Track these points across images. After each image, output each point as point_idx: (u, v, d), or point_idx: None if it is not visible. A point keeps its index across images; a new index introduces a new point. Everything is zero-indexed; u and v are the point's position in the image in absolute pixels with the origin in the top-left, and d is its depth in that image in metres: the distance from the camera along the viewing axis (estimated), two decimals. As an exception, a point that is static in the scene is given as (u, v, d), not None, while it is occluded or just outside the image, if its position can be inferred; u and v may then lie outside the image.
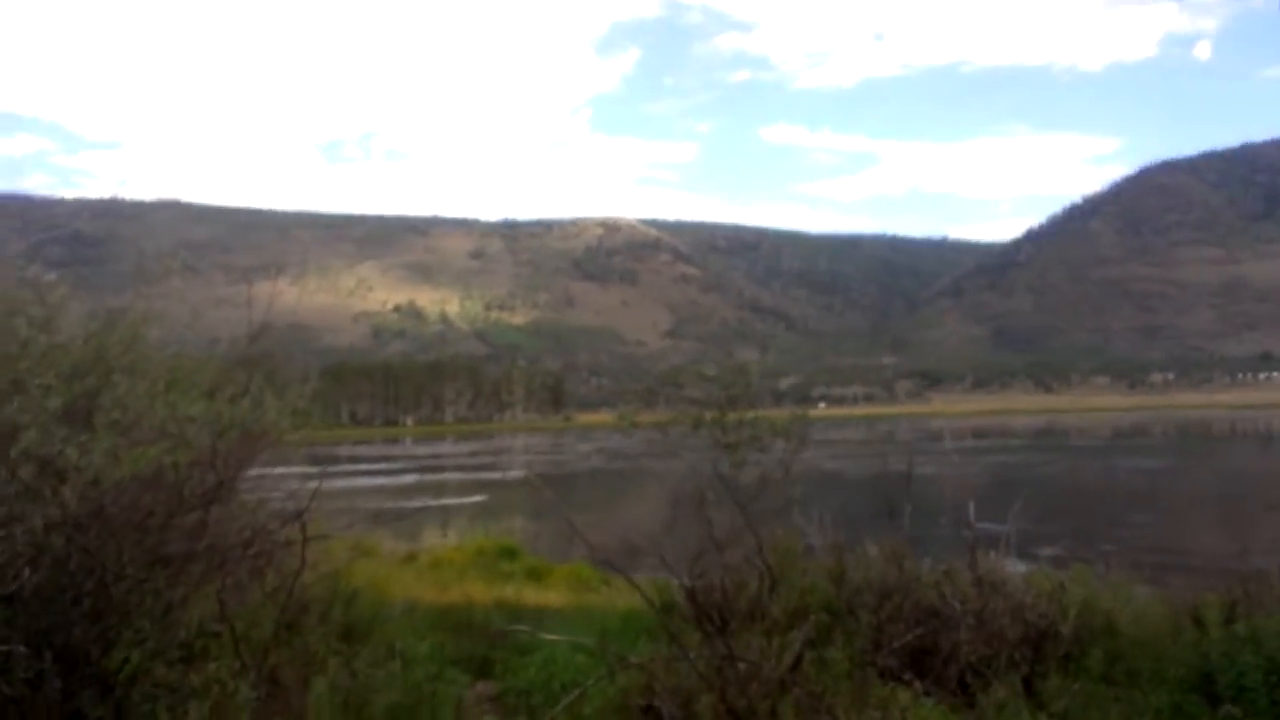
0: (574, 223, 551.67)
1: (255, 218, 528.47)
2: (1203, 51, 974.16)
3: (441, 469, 73.63)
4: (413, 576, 14.52)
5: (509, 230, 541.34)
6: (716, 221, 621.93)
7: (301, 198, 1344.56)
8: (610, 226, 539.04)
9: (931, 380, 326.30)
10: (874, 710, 5.33)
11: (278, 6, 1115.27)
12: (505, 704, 7.57)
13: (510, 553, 19.99)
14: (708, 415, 6.79)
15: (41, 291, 6.91)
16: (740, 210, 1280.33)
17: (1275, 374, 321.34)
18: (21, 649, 5.11)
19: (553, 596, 12.81)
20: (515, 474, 66.17)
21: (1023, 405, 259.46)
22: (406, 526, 33.70)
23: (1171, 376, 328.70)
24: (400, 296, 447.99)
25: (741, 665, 5.62)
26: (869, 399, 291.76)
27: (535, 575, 17.09)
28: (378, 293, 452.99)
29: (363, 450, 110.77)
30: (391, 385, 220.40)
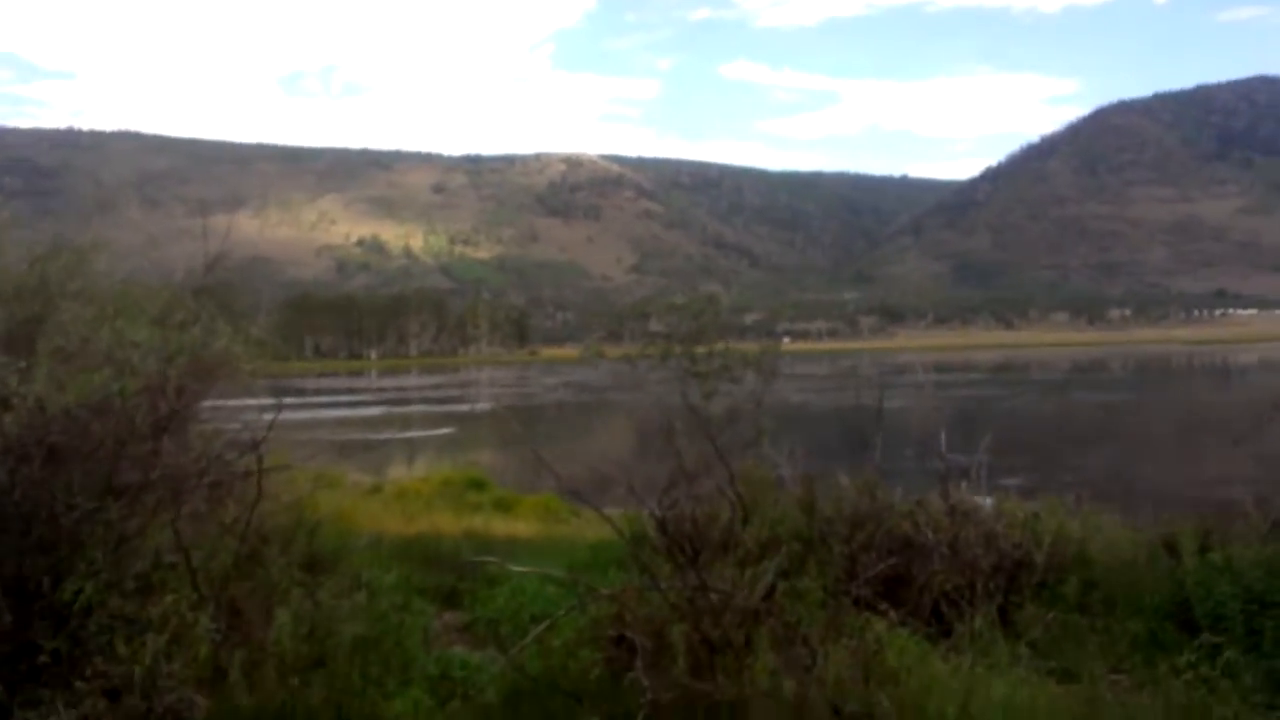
0: (537, 158, 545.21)
1: (215, 149, 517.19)
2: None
3: (407, 402, 73.29)
4: (379, 508, 14.37)
5: (472, 165, 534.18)
6: (679, 158, 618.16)
7: (261, 130, 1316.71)
8: (573, 162, 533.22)
9: (894, 316, 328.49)
10: (849, 639, 5.25)
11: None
12: (474, 634, 7.48)
13: (478, 484, 19.89)
14: (677, 347, 6.62)
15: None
16: (702, 147, 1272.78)
17: (1230, 310, 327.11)
18: (-33, 581, 4.90)
19: (521, 527, 12.72)
20: (482, 407, 65.97)
21: (983, 340, 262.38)
22: (374, 459, 33.52)
23: (1129, 313, 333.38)
24: (363, 230, 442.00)
25: (714, 595, 5.52)
26: (833, 334, 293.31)
27: (504, 506, 17.01)
28: (340, 226, 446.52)
29: (327, 383, 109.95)
30: (355, 319, 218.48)
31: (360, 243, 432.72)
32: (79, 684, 4.90)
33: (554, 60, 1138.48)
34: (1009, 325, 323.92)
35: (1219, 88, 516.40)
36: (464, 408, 64.36)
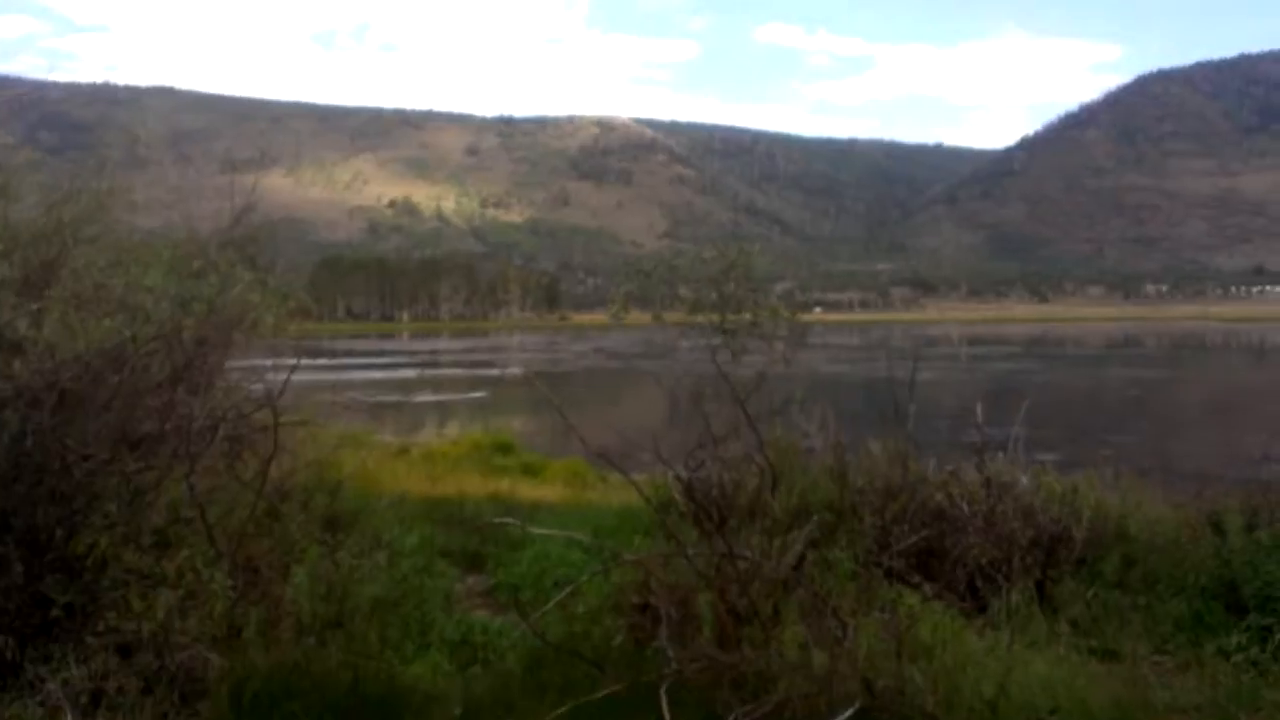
0: (570, 120, 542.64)
1: (248, 107, 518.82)
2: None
3: (438, 365, 73.47)
4: (405, 469, 14.30)
5: (505, 126, 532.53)
6: (712, 123, 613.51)
7: (294, 88, 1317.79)
8: (606, 126, 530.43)
9: (926, 287, 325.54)
10: (881, 612, 5.07)
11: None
12: (496, 599, 7.36)
13: (505, 448, 19.78)
14: (712, 294, 6.40)
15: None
16: (736, 111, 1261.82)
17: (1268, 288, 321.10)
18: (-21, 531, 4.82)
19: (548, 492, 12.60)
20: (513, 371, 66.00)
21: (1017, 314, 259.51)
22: (403, 421, 33.63)
23: (1165, 288, 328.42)
24: (396, 191, 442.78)
25: (742, 564, 5.34)
26: (864, 305, 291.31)
27: (531, 471, 16.89)
28: (373, 187, 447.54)
29: (358, 344, 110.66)
30: (387, 281, 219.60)
31: (392, 204, 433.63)
32: (90, 639, 4.80)
33: (588, 20, 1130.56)
34: (1043, 299, 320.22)
35: (1261, 57, 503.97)
36: (494, 372, 64.41)
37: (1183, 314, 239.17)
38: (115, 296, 5.67)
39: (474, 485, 12.10)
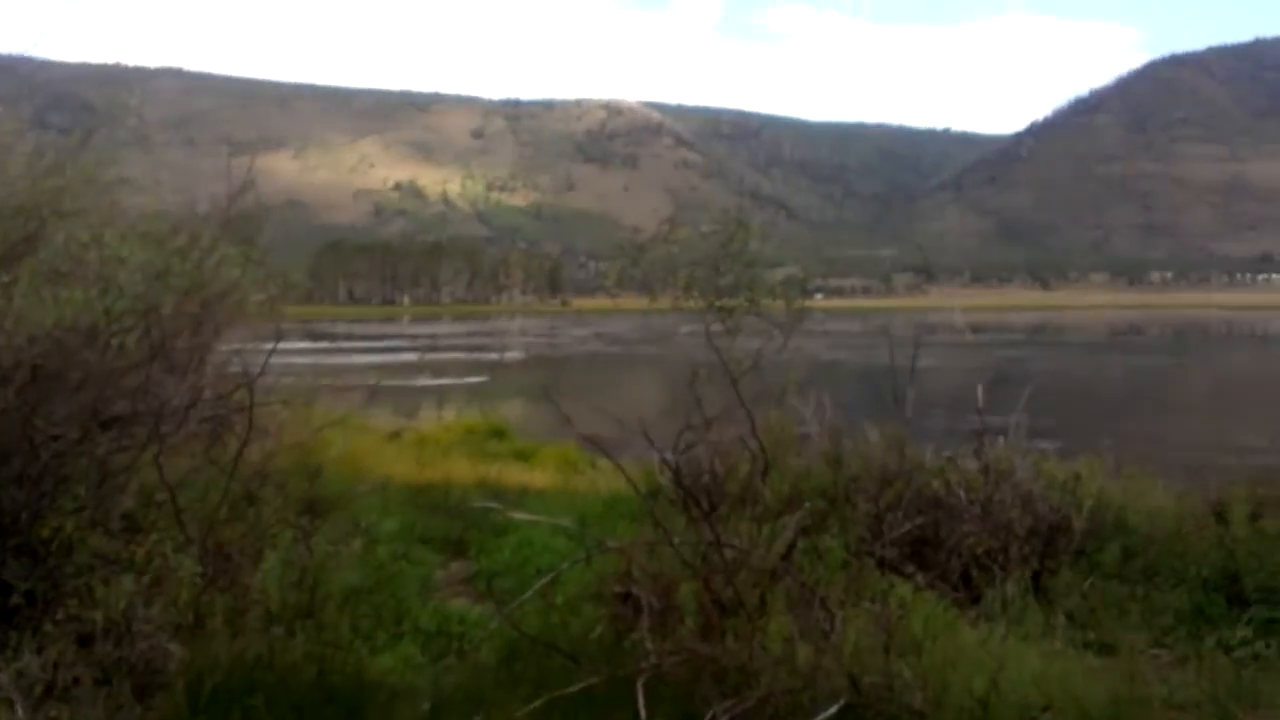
0: (577, 103, 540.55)
1: (255, 88, 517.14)
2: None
3: (438, 349, 73.29)
4: (394, 453, 14.14)
5: (512, 109, 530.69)
6: (720, 106, 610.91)
7: (301, 69, 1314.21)
8: (613, 109, 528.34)
9: (929, 274, 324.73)
10: (870, 603, 4.88)
11: None
12: (478, 586, 7.19)
13: (499, 433, 19.62)
14: (700, 274, 6.16)
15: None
16: (742, 95, 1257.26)
17: (1274, 275, 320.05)
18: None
19: (537, 477, 12.43)
20: (513, 356, 65.88)
21: (1020, 301, 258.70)
22: (400, 404, 33.44)
23: (1169, 276, 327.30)
24: (401, 174, 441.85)
25: (729, 552, 5.16)
26: (866, 291, 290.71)
27: (523, 456, 16.72)
28: (378, 170, 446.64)
29: (359, 328, 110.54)
30: (390, 265, 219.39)
31: (398, 187, 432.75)
32: (50, 628, 4.63)
33: (596, 5, 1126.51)
34: (1046, 286, 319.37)
35: (1275, 42, 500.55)
36: (494, 356, 64.25)
37: (1186, 302, 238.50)
38: (92, 271, 5.46)
39: (462, 471, 11.93)
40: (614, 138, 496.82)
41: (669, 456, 5.36)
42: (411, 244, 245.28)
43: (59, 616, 4.78)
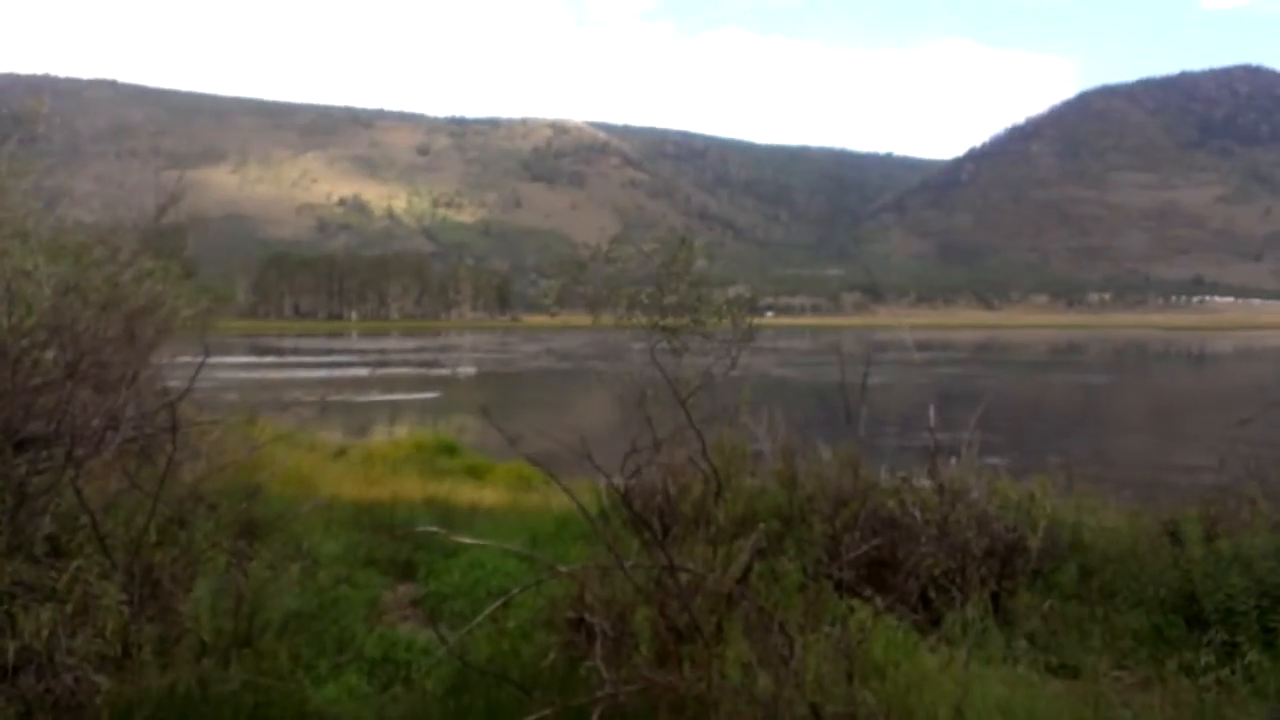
0: (523, 122, 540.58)
1: (193, 101, 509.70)
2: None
3: (388, 364, 72.38)
4: (340, 471, 13.77)
5: (457, 127, 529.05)
6: (665, 127, 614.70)
7: (241, 83, 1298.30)
8: (559, 128, 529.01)
9: (876, 293, 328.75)
10: (830, 627, 4.75)
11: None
12: (427, 609, 6.94)
13: (450, 449, 19.29)
14: (644, 295, 6.02)
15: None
16: (687, 116, 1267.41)
17: (1208, 298, 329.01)
18: None
19: (488, 495, 12.17)
20: (465, 371, 65.22)
21: (965, 320, 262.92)
22: (347, 421, 32.84)
23: (1108, 297, 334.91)
24: (345, 189, 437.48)
25: (683, 576, 5.00)
26: (815, 310, 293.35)
27: (475, 473, 16.44)
28: (322, 185, 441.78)
29: (306, 343, 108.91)
30: (336, 279, 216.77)
31: (342, 202, 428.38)
32: (-35, 662, 4.33)
33: (541, 25, 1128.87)
34: (990, 306, 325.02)
35: (1202, 75, 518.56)
36: (446, 372, 63.50)
37: (1125, 322, 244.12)
38: (2, 287, 5.17)
39: (412, 488, 11.64)
40: (560, 156, 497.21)
41: (618, 481, 5.18)
42: (357, 259, 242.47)
43: (-26, 650, 4.48)
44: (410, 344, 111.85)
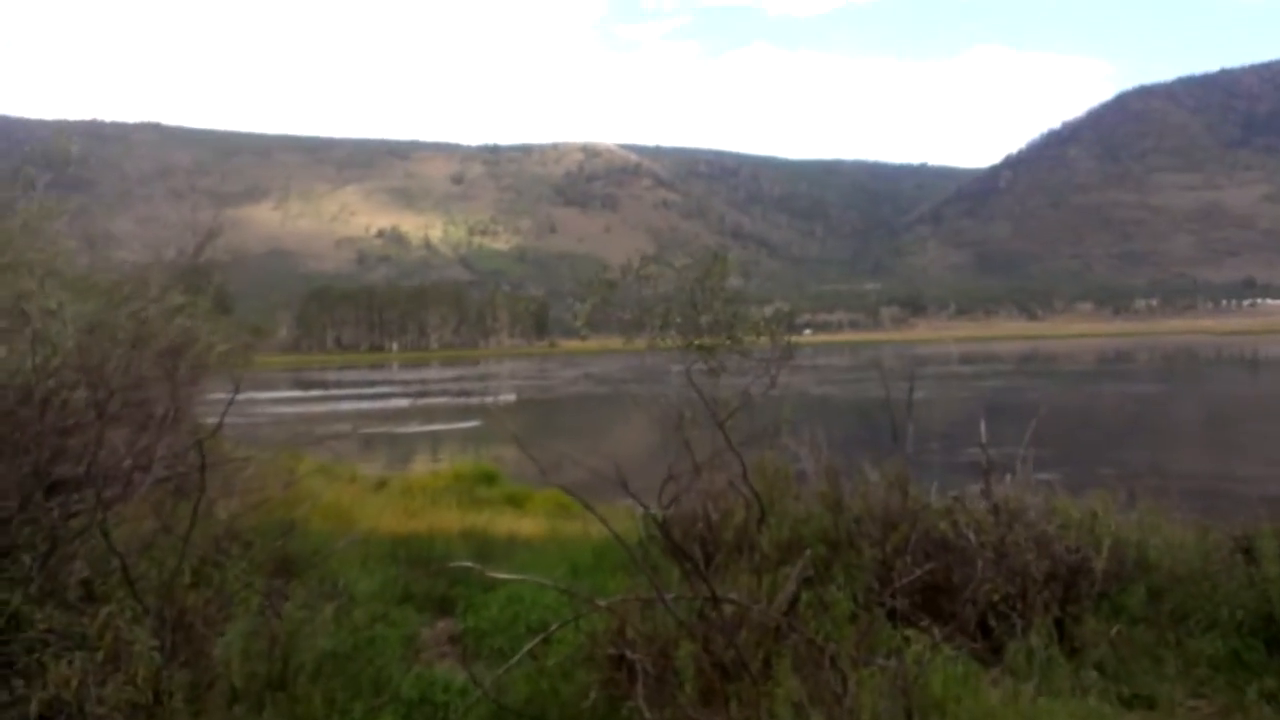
0: (555, 147, 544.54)
1: (236, 140, 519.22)
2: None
3: (428, 394, 72.81)
4: (380, 503, 13.71)
5: (490, 154, 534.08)
6: (696, 146, 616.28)
7: (281, 120, 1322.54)
8: (591, 151, 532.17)
9: (915, 307, 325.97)
10: (885, 660, 4.51)
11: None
12: (466, 645, 6.77)
13: (490, 478, 19.20)
14: (677, 314, 5.80)
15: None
16: (718, 135, 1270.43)
17: (1260, 300, 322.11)
18: None
19: (527, 525, 12.01)
20: (506, 399, 65.45)
21: (1008, 331, 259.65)
22: (397, 451, 32.96)
23: (1155, 303, 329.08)
24: (383, 221, 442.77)
25: (728, 608, 4.79)
26: (854, 325, 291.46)
27: (515, 502, 16.33)
28: (360, 217, 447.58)
29: (349, 375, 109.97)
30: (376, 311, 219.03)
31: (380, 234, 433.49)
32: (-4, 711, 4.23)
33: (574, 49, 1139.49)
34: (1033, 316, 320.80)
35: (1243, 71, 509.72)
36: (486, 400, 63.83)
37: (1174, 328, 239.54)
38: (31, 325, 5.10)
39: (450, 520, 11.51)
40: (593, 179, 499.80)
41: (655, 512, 4.98)
42: (396, 290, 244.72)
43: (5, 698, 4.39)
44: (450, 373, 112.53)
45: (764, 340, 7.56)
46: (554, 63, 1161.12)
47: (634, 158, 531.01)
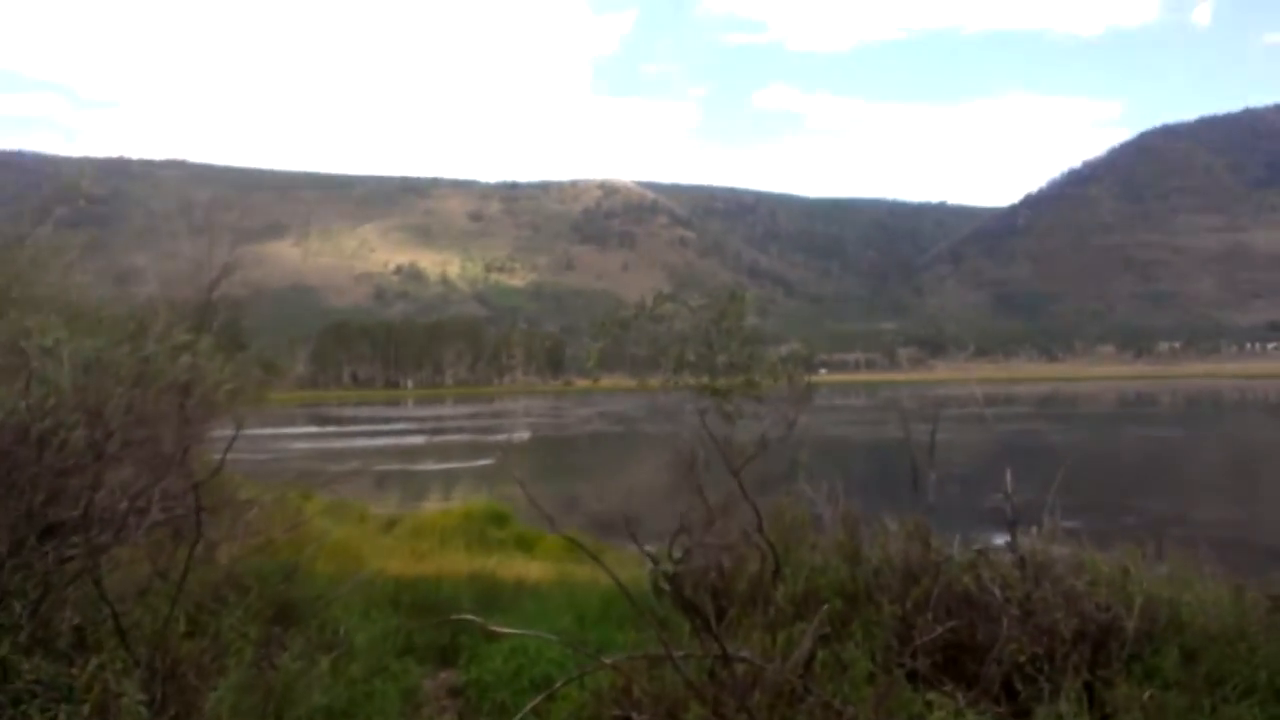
0: (572, 184, 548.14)
1: (257, 177, 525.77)
2: (1202, 16, 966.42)
3: (443, 431, 72.79)
4: (389, 544, 13.52)
5: (509, 191, 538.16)
6: (713, 184, 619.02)
7: (302, 157, 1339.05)
8: (608, 189, 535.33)
9: (934, 347, 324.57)
10: (905, 726, 4.29)
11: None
12: (468, 699, 6.56)
13: (500, 518, 18.98)
14: (691, 354, 5.64)
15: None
16: (737, 173, 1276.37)
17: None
18: None
19: (535, 569, 11.78)
20: (520, 437, 65.34)
21: (1028, 373, 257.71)
22: (410, 489, 32.82)
23: (1178, 345, 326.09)
24: (402, 257, 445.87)
25: (739, 667, 4.58)
26: (870, 365, 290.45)
27: (524, 544, 16.12)
28: (379, 254, 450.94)
29: (365, 412, 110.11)
30: (392, 346, 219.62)
31: (398, 270, 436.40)
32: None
33: (591, 87, 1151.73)
34: (1053, 358, 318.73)
35: (1267, 111, 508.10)
36: (500, 438, 63.77)
37: (1197, 371, 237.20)
38: (30, 363, 4.98)
39: (458, 562, 11.29)
40: (610, 217, 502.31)
41: (665, 567, 4.79)
42: (413, 326, 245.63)
43: (-17, 756, 4.21)
44: (465, 410, 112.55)
45: (780, 382, 7.38)
46: (572, 99, 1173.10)
47: (651, 195, 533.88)
